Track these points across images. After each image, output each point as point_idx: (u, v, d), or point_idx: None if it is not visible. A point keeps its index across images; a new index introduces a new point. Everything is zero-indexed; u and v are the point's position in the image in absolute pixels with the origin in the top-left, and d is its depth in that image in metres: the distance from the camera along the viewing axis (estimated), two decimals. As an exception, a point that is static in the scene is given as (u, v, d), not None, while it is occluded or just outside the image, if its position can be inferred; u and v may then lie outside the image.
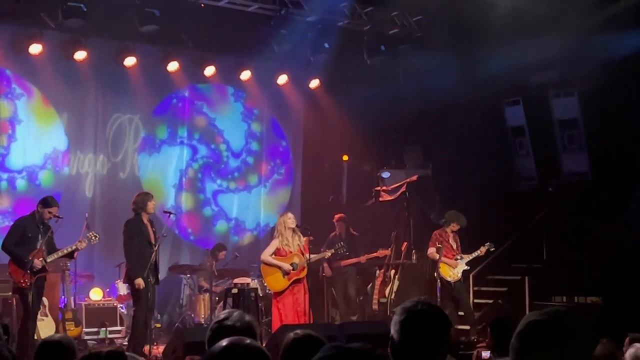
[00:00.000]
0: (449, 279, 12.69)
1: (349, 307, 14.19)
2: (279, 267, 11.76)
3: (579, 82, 13.73)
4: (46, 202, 10.99)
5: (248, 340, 2.60)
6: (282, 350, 4.00)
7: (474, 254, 12.87)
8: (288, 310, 11.72)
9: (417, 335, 3.13)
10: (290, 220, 11.91)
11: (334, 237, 14.11)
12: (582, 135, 13.94)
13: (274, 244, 11.96)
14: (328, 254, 12.66)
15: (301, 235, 12.00)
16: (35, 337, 11.17)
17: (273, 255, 11.88)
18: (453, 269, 12.70)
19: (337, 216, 14.41)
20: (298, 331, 4.14)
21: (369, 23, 14.43)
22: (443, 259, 12.68)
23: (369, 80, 15.11)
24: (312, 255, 12.10)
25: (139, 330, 10.87)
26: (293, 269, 11.77)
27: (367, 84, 15.15)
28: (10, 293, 11.52)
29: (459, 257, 12.81)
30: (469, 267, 12.98)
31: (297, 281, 11.87)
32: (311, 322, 11.70)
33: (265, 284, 12.45)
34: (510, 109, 14.87)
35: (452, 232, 12.94)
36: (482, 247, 12.85)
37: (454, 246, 12.88)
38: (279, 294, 11.83)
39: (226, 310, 3.97)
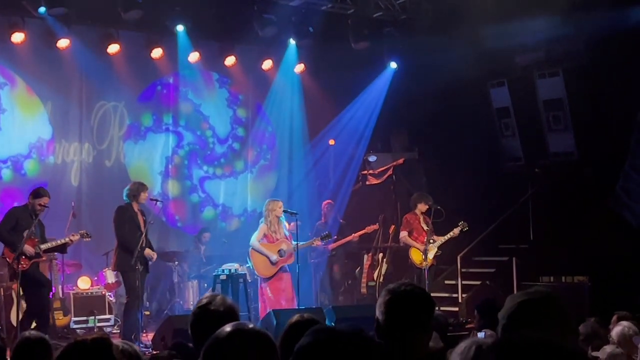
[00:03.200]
0: (419, 265, 12.55)
1: (334, 290, 14.22)
2: (267, 257, 11.88)
3: (564, 61, 13.74)
4: (37, 193, 10.95)
5: (251, 325, 2.61)
6: (285, 330, 4.03)
7: (447, 236, 12.61)
8: (275, 296, 11.83)
9: (402, 315, 3.16)
10: (280, 209, 11.98)
11: (320, 224, 14.15)
12: (567, 115, 13.96)
13: (262, 229, 12.04)
14: (317, 242, 12.62)
15: (286, 224, 12.13)
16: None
17: (261, 241, 11.97)
18: (424, 255, 12.48)
19: (325, 202, 14.43)
20: (304, 314, 4.18)
21: (353, 7, 14.38)
22: (414, 243, 12.56)
23: (354, 64, 15.08)
24: (300, 243, 12.13)
25: (130, 318, 10.87)
26: (281, 256, 11.91)
27: (351, 67, 15.13)
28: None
29: (431, 241, 12.53)
30: (440, 252, 12.71)
31: (285, 268, 12.02)
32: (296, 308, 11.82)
33: (254, 269, 12.44)
34: (495, 90, 14.88)
35: (422, 213, 12.79)
36: (455, 228, 12.61)
37: (425, 228, 12.72)
38: (266, 279, 11.93)
39: (207, 295, 3.99)
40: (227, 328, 2.58)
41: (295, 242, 11.91)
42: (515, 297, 2.85)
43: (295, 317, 4.15)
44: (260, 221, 12.24)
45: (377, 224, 14.36)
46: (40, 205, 10.83)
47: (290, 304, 11.80)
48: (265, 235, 12.00)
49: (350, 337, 2.25)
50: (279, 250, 11.92)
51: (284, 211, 12.05)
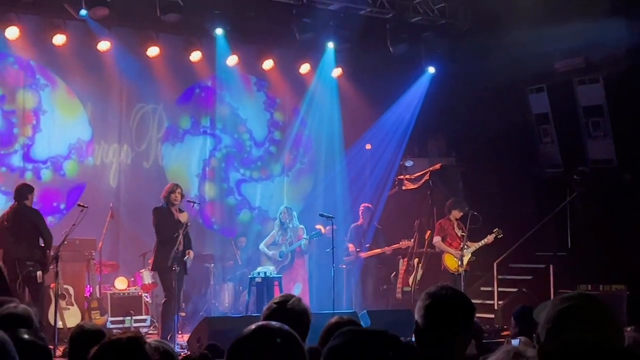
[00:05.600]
0: (453, 271, 12.48)
1: (365, 298, 14.20)
2: (269, 257, 13.26)
3: (604, 68, 13.61)
4: (29, 189, 11.31)
5: (276, 324, 2.61)
6: (325, 330, 4.05)
7: (481, 243, 12.55)
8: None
9: (442, 320, 3.15)
10: (283, 215, 13.44)
11: (356, 226, 14.15)
12: (607, 121, 13.81)
13: (272, 235, 13.55)
14: (305, 242, 13.34)
15: (299, 227, 13.43)
16: (61, 326, 11.32)
17: (272, 245, 13.47)
18: (458, 260, 12.47)
19: (362, 206, 14.42)
20: (343, 316, 4.22)
21: (391, 11, 14.37)
22: (448, 249, 12.53)
23: (392, 69, 15.06)
24: (295, 244, 13.32)
25: (167, 319, 10.96)
26: (279, 257, 13.10)
27: (389, 72, 15.10)
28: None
29: (465, 247, 12.50)
30: (474, 258, 12.68)
31: (285, 268, 13.23)
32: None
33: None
34: (534, 96, 14.76)
35: (456, 219, 12.75)
36: (489, 235, 12.54)
37: (459, 234, 12.67)
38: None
39: (284, 294, 4.06)
40: (252, 326, 2.58)
41: (331, 248, 12.13)
42: (558, 300, 2.78)
43: (335, 318, 4.17)
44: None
45: (412, 239, 14.30)
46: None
47: None
48: (275, 239, 13.49)
49: (380, 337, 2.24)
50: (280, 252, 13.18)
51: (320, 215, 12.69)
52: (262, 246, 13.44)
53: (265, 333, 2.55)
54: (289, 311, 3.80)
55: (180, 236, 11.03)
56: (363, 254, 13.99)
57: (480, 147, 15.06)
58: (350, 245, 13.94)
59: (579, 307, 2.68)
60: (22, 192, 11.18)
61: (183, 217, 11.23)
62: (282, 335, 2.55)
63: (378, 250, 14.04)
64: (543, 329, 2.69)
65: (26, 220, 11.06)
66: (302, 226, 13.39)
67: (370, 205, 14.48)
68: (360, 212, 14.32)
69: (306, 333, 3.82)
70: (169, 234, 11.06)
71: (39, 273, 10.94)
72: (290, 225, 13.28)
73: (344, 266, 14.07)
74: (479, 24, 14.57)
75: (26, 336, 3.24)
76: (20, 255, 10.88)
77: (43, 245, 11.10)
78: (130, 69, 14.12)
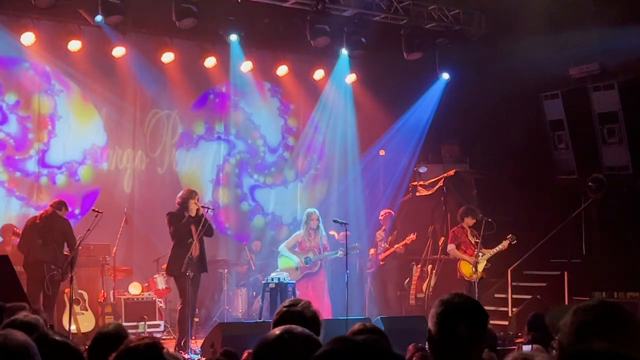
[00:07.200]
0: (468, 278, 12.43)
1: (386, 303, 14.17)
2: (291, 261, 12.80)
3: (619, 74, 13.55)
4: (66, 205, 11.82)
5: (300, 329, 2.61)
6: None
7: (496, 249, 12.45)
8: None
9: (455, 327, 3.13)
10: (313, 221, 12.79)
11: (380, 233, 14.19)
12: (622, 128, 13.74)
13: (297, 237, 12.99)
14: (340, 253, 12.65)
15: (324, 235, 12.89)
16: (75, 331, 11.36)
17: (293, 248, 12.90)
18: (474, 267, 12.40)
19: (383, 212, 14.41)
20: (366, 323, 4.21)
21: (405, 17, 14.36)
22: (463, 256, 12.47)
23: (406, 75, 15.05)
24: (325, 253, 12.79)
25: (182, 325, 10.97)
26: (306, 264, 12.71)
27: (403, 78, 15.09)
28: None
29: (480, 254, 12.42)
30: (489, 265, 12.57)
31: (309, 275, 12.77)
32: (329, 317, 12.13)
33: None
34: (549, 102, 14.70)
35: (469, 227, 12.69)
36: (504, 241, 12.42)
37: (473, 241, 12.61)
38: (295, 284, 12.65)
39: (293, 298, 4.05)
40: (277, 331, 2.59)
41: (342, 252, 12.09)
42: (581, 310, 2.72)
43: (358, 325, 4.16)
44: (300, 228, 13.03)
45: (415, 233, 14.21)
46: None
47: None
48: (299, 243, 12.87)
49: (368, 348, 2.22)
50: (305, 258, 12.74)
51: (334, 221, 12.51)
52: (282, 248, 13.03)
53: (290, 338, 2.55)
54: (299, 315, 3.79)
55: (195, 241, 11.04)
56: (380, 256, 14.00)
57: (495, 153, 15.02)
58: (372, 250, 13.91)
59: (602, 315, 2.63)
60: (59, 204, 11.69)
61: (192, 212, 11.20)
62: (306, 341, 2.55)
63: (391, 250, 14.01)
64: (565, 337, 2.65)
65: (57, 226, 11.46)
66: (325, 234, 13.07)
67: (391, 212, 14.48)
68: (381, 219, 14.31)
69: None
70: (183, 239, 11.07)
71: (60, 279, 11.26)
72: (317, 231, 12.91)
73: (369, 270, 14.12)
74: (493, 30, 14.54)
75: (58, 337, 3.25)
76: (46, 258, 11.28)
77: (66, 253, 11.31)
78: (145, 74, 14.18)
